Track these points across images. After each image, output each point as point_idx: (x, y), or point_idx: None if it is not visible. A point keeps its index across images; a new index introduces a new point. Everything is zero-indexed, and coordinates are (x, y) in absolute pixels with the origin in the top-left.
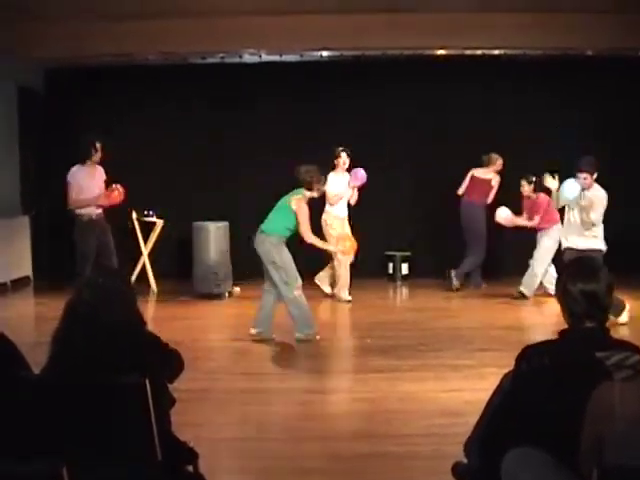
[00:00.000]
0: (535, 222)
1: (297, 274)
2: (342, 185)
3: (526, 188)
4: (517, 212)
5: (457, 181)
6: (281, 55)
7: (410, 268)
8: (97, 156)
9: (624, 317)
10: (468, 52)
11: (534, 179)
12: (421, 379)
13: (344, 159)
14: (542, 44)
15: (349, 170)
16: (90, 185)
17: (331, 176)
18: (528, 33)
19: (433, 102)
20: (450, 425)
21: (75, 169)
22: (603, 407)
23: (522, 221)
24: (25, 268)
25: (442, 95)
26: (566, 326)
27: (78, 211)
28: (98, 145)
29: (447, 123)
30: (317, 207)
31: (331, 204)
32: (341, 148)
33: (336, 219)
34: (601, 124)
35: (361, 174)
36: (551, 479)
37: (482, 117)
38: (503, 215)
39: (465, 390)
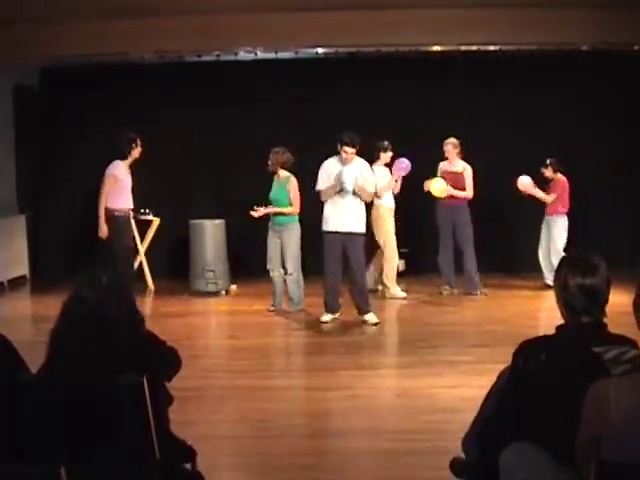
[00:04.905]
0: (551, 199)
1: None
2: (387, 177)
3: (547, 174)
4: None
5: None
6: (276, 52)
7: (407, 265)
8: (137, 152)
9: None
10: (463, 48)
11: (549, 161)
12: (418, 375)
13: (390, 153)
14: (537, 39)
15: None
16: (127, 181)
17: (378, 169)
18: (523, 28)
19: (429, 98)
20: (447, 421)
21: (116, 163)
22: (600, 403)
23: (540, 193)
24: (22, 267)
25: (438, 91)
26: (563, 321)
27: (115, 209)
28: (139, 141)
29: (444, 119)
30: None
31: (379, 197)
32: (387, 142)
33: (388, 210)
34: (598, 118)
35: (406, 164)
36: (548, 475)
37: (479, 113)
38: (526, 182)
39: (462, 386)
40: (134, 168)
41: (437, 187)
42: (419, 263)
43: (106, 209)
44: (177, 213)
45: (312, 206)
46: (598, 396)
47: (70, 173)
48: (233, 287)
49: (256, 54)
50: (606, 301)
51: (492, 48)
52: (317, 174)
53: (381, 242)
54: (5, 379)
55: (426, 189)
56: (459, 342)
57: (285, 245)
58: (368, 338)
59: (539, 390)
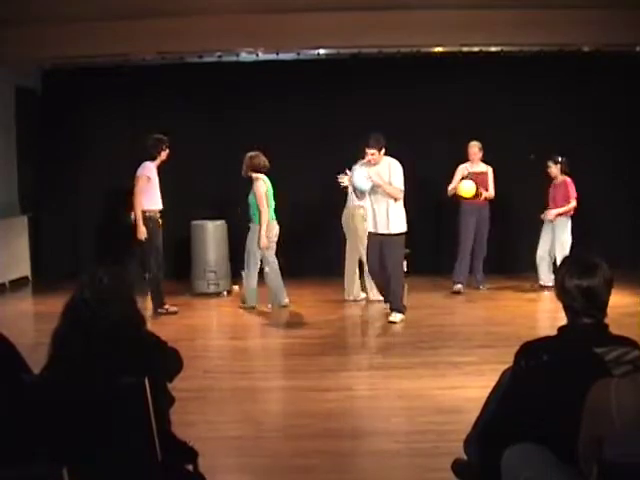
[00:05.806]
0: (574, 203)
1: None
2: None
3: (553, 170)
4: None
5: None
6: (278, 53)
7: (409, 266)
8: (165, 154)
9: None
10: (465, 49)
11: (560, 159)
12: (420, 376)
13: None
14: (539, 40)
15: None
16: (156, 181)
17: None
18: (525, 29)
19: (431, 99)
20: (449, 422)
21: (146, 164)
22: (601, 403)
23: (561, 208)
24: (23, 268)
25: (440, 92)
26: (565, 322)
27: (145, 210)
28: (167, 143)
29: (445, 120)
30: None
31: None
32: None
33: None
34: (599, 120)
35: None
36: (551, 476)
37: (480, 114)
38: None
39: (464, 387)
40: (135, 167)
41: (466, 188)
42: (419, 263)
43: (133, 211)
44: (178, 214)
45: (311, 205)
46: (599, 397)
47: (71, 174)
48: (235, 288)
49: (257, 55)
50: (606, 302)
51: (494, 49)
52: (318, 174)
53: None
54: (7, 380)
55: (452, 191)
56: (461, 343)
57: (247, 243)
58: (369, 339)
59: (541, 391)
